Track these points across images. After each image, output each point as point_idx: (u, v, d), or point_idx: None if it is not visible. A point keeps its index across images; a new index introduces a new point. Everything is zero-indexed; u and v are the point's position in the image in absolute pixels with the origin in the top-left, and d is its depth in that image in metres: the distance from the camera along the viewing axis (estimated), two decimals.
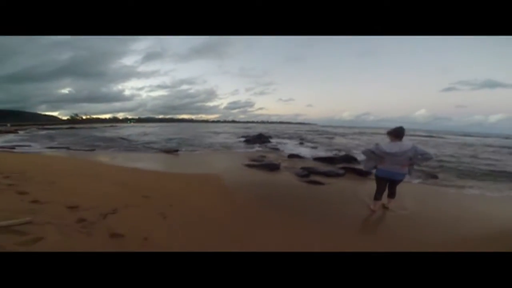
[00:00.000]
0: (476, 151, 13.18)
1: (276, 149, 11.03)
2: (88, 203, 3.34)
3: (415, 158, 3.16)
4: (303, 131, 33.71)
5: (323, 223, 3.19)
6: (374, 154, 3.32)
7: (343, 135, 26.24)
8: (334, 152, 9.60)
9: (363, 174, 5.94)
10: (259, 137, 15.22)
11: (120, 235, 2.60)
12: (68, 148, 10.90)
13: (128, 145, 12.33)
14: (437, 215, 3.59)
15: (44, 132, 25.73)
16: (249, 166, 6.75)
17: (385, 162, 3.27)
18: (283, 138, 18.48)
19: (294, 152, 9.50)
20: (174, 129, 35.55)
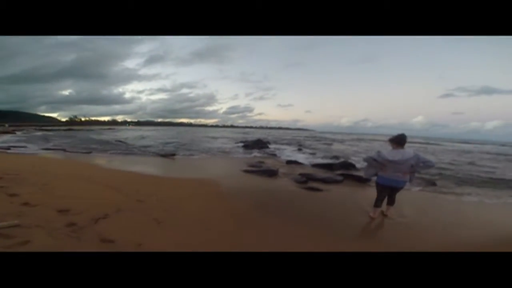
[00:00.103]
0: (473, 158, 13.17)
1: (274, 155, 10.96)
2: (80, 207, 3.25)
3: (416, 166, 3.14)
4: (302, 137, 33.68)
5: (322, 230, 3.13)
6: (376, 162, 3.28)
7: (341, 141, 26.24)
8: (333, 159, 9.53)
9: (361, 180, 5.89)
10: (257, 142, 15.16)
11: (111, 240, 2.51)
12: (64, 150, 10.79)
13: (125, 148, 12.20)
14: (437, 222, 3.54)
15: (40, 133, 25.54)
16: (247, 171, 6.67)
17: (387, 169, 3.23)
18: (282, 144, 18.42)
19: (292, 158, 9.44)
20: (172, 133, 35.48)
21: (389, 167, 3.19)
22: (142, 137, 22.76)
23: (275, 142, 19.34)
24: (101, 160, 8.42)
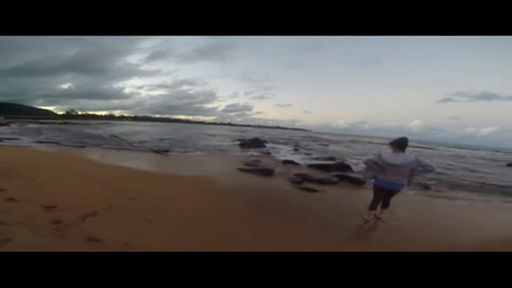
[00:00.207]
0: (467, 164, 13.25)
1: (270, 154, 10.89)
2: (67, 203, 3.14)
3: (416, 170, 3.12)
4: (299, 137, 33.67)
5: (317, 231, 3.08)
6: (376, 165, 3.23)
7: (337, 142, 26.27)
8: (329, 160, 9.49)
9: (356, 182, 5.87)
10: (254, 141, 15.08)
11: (98, 239, 2.42)
12: (58, 144, 10.60)
13: (119, 143, 12.02)
14: (430, 225, 3.53)
15: (34, 126, 25.16)
16: (242, 170, 6.59)
17: (387, 173, 3.19)
18: (279, 143, 18.36)
19: (288, 158, 9.39)
20: (168, 129, 35.22)
21: (390, 171, 3.15)
22: (138, 132, 22.56)
23: (272, 141, 19.28)
24: (93, 154, 8.28)
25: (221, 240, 2.67)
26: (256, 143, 14.53)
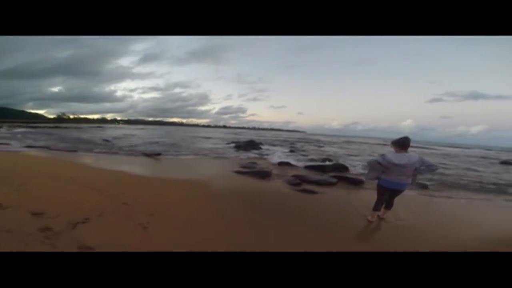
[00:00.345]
0: (462, 162, 13.41)
1: (266, 156, 10.77)
2: (57, 210, 2.99)
3: (419, 169, 3.10)
4: (293, 138, 33.68)
5: (321, 233, 3.01)
6: (380, 165, 3.18)
7: (332, 143, 26.36)
8: (325, 161, 9.45)
9: (354, 183, 5.83)
10: (249, 143, 14.98)
11: (90, 247, 2.28)
12: (48, 148, 10.31)
13: (111, 147, 11.73)
14: (434, 224, 3.48)
15: (25, 130, 24.54)
16: (239, 172, 6.47)
17: (391, 173, 3.15)
18: (274, 145, 18.30)
19: (285, 159, 9.32)
20: (162, 132, 34.82)
21: (394, 171, 3.11)
22: (130, 136, 22.20)
23: (267, 143, 19.21)
24: (85, 159, 8.04)
25: (220, 244, 2.57)
26: (252, 145, 14.43)
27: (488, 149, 39.63)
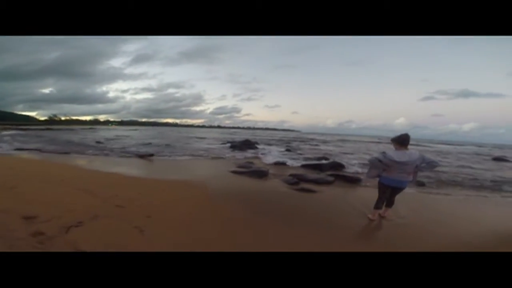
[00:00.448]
0: (457, 159, 13.56)
1: (262, 155, 10.71)
2: (49, 213, 2.88)
3: (420, 166, 3.08)
4: (289, 138, 33.72)
5: (319, 232, 2.97)
6: (381, 163, 3.15)
7: (327, 142, 26.45)
8: (321, 160, 9.45)
9: (351, 181, 5.83)
10: (245, 143, 14.92)
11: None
12: (40, 150, 10.08)
13: (103, 149, 11.51)
14: (434, 222, 3.48)
15: (13, 132, 23.95)
16: (236, 172, 6.41)
17: (392, 170, 3.13)
18: (270, 144, 18.27)
19: (281, 158, 9.29)
20: (155, 133, 34.46)
21: (395, 168, 3.09)
22: (123, 137, 21.90)
23: (263, 143, 19.17)
24: (77, 161, 7.88)
25: (220, 245, 2.51)
26: (247, 144, 14.37)
27: (480, 146, 40.28)
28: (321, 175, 6.10)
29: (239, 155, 10.87)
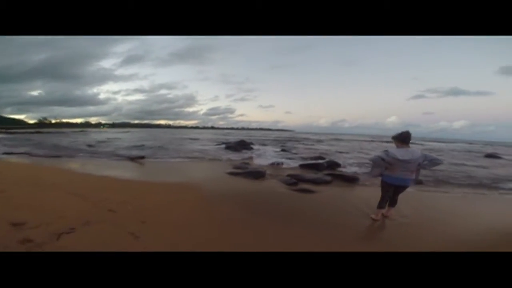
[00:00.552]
0: (452, 157, 13.72)
1: (258, 156, 10.61)
2: (39, 219, 2.73)
3: (423, 164, 3.05)
4: (283, 138, 33.69)
5: (326, 234, 2.91)
6: (384, 161, 3.10)
7: (320, 141, 26.52)
8: (317, 159, 9.42)
9: (349, 180, 5.81)
10: (240, 143, 14.81)
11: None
12: (29, 154, 9.78)
13: (94, 152, 11.16)
14: (439, 220, 3.46)
15: (3, 136, 23.33)
16: (232, 174, 6.31)
17: (395, 169, 3.08)
18: (265, 145, 18.20)
19: (277, 159, 9.23)
20: (147, 135, 33.91)
21: (398, 166, 3.04)
22: (114, 139, 21.51)
23: (258, 143, 19.08)
24: (67, 164, 7.65)
25: (219, 247, 2.42)
26: (243, 145, 14.27)
27: (471, 143, 41.03)
28: (319, 175, 6.05)
29: (235, 156, 10.75)
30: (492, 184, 6.37)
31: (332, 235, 2.88)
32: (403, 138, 3.06)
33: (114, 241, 2.41)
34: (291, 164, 8.31)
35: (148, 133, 41.20)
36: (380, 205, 3.32)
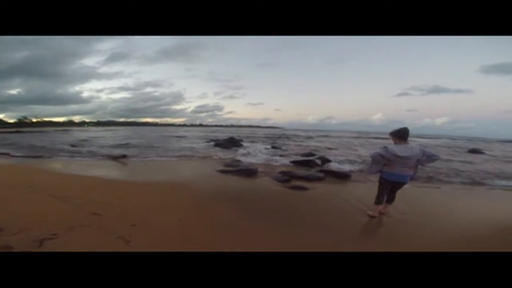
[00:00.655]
0: (436, 152, 14.06)
1: (248, 154, 10.49)
2: (18, 225, 2.52)
3: (421, 160, 3.05)
4: (274, 134, 33.70)
5: (321, 232, 2.84)
6: (383, 158, 3.08)
7: (309, 138, 26.71)
8: (308, 156, 9.43)
9: (341, 177, 5.80)
10: (230, 141, 14.66)
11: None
12: (8, 155, 9.27)
13: (76, 151, 10.62)
14: (436, 215, 3.50)
15: None
16: (224, 172, 6.18)
17: (394, 165, 3.06)
18: (255, 142, 18.12)
19: (268, 155, 9.17)
20: (131, 133, 33.00)
21: (397, 163, 3.02)
22: (97, 138, 20.84)
23: (248, 140, 18.97)
24: (47, 165, 7.29)
25: (215, 245, 2.32)
26: (232, 142, 14.13)
27: (453, 139, 42.36)
28: (311, 172, 6.03)
29: (225, 153, 10.60)
30: (480, 180, 6.48)
31: (329, 233, 2.83)
32: (401, 135, 3.05)
33: (103, 248, 2.24)
34: (283, 161, 8.26)
35: (134, 131, 40.11)
36: (378, 201, 3.30)
